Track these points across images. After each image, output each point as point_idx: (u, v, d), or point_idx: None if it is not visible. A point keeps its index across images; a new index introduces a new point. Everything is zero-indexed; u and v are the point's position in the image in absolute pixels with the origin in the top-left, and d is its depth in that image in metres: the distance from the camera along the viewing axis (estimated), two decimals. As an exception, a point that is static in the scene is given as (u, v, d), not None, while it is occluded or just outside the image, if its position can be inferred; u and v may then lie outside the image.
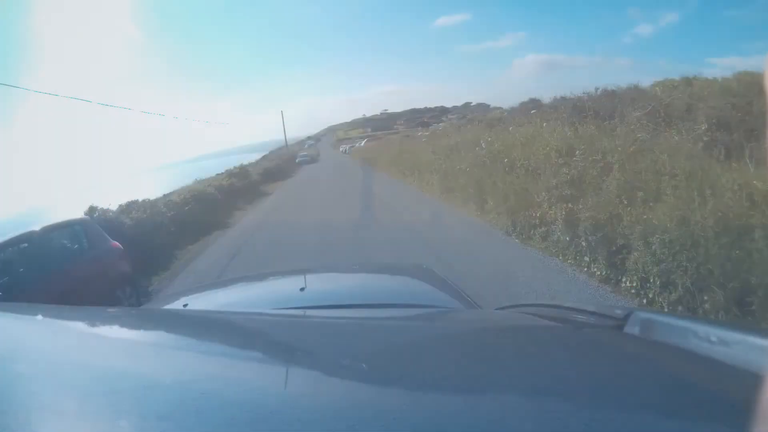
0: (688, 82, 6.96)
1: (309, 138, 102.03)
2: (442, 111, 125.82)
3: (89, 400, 0.39)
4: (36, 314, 0.73)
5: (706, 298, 2.79)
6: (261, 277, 2.04)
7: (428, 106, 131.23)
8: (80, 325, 0.72)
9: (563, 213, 4.85)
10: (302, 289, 1.34)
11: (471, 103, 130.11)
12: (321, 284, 1.60)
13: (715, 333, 0.48)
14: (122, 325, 0.75)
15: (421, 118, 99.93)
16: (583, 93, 8.12)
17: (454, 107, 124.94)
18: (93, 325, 0.72)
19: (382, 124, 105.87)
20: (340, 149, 49.27)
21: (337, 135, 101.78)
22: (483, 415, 0.38)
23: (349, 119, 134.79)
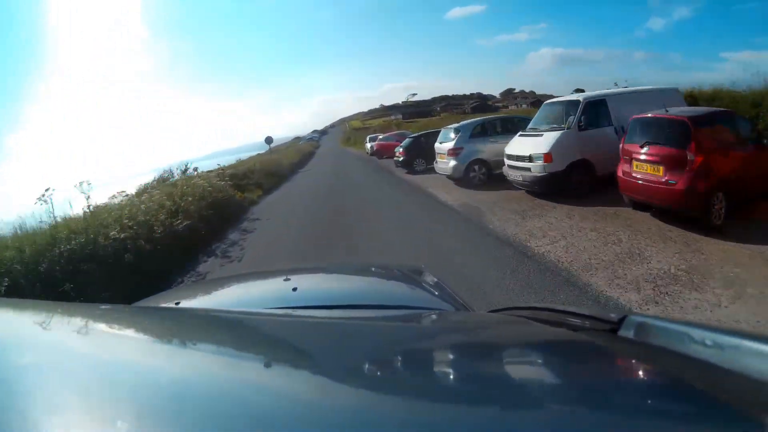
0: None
1: (314, 131, 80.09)
2: (481, 98, 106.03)
3: (85, 398, 0.40)
4: (30, 310, 0.77)
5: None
6: (253, 276, 1.83)
7: (460, 93, 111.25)
8: (74, 322, 0.70)
9: None
10: (295, 289, 1.24)
11: (514, 89, 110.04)
12: (313, 284, 1.50)
13: (710, 337, 0.48)
14: (117, 322, 0.72)
15: (461, 104, 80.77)
16: None
17: (489, 95, 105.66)
18: (87, 321, 0.70)
19: (415, 110, 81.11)
20: (367, 145, 21.25)
21: (351, 125, 77.55)
22: (477, 418, 0.38)
23: (366, 109, 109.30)
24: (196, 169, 10.92)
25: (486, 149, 8.18)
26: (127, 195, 7.39)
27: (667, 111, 4.70)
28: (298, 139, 64.56)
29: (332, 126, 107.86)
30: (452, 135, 8.65)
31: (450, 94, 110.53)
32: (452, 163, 8.34)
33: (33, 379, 0.43)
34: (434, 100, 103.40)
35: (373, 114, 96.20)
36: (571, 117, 6.15)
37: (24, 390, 0.40)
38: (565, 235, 4.46)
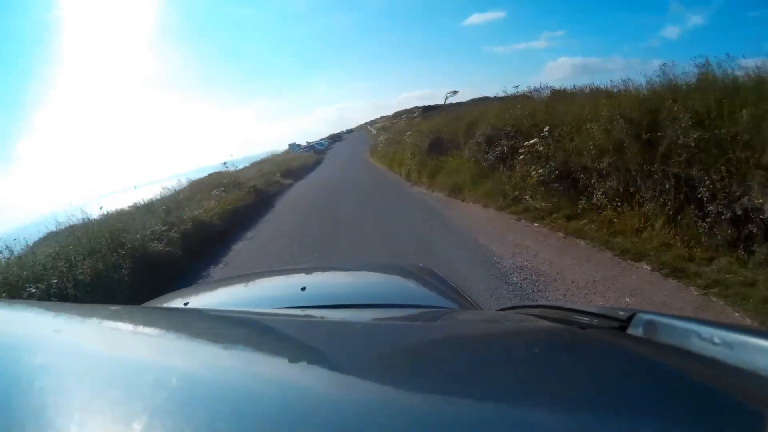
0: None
1: (327, 137, 75.29)
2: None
3: (96, 398, 0.40)
4: (40, 311, 0.78)
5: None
6: (261, 276, 1.89)
7: (499, 95, 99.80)
8: (84, 323, 0.70)
9: None
10: (303, 289, 1.29)
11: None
12: (322, 284, 1.57)
13: (718, 335, 0.48)
14: (126, 323, 0.72)
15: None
16: None
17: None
18: (97, 322, 0.71)
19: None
20: None
21: (379, 126, 73.98)
22: (488, 416, 0.38)
23: (389, 113, 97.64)
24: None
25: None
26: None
27: None
28: (297, 146, 42.75)
29: (349, 131, 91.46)
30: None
31: (491, 95, 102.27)
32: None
33: (45, 380, 0.43)
34: (474, 101, 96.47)
35: (401, 117, 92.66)
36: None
37: (37, 390, 0.41)
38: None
